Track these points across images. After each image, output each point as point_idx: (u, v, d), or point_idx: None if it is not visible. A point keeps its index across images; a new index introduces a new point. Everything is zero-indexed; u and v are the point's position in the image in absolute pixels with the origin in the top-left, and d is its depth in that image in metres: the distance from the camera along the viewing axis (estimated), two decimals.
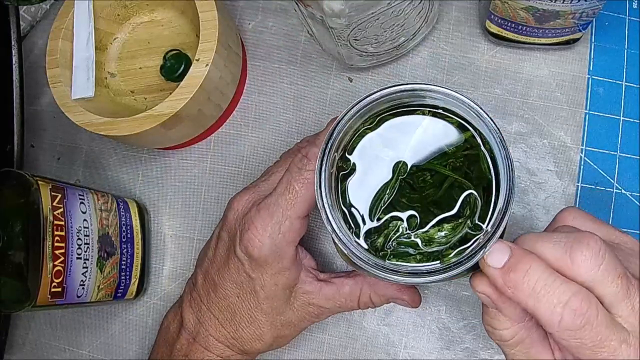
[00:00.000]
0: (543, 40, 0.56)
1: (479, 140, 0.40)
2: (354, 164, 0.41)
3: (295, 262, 0.49)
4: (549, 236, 0.38)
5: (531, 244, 0.38)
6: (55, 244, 0.47)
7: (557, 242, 0.37)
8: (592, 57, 0.58)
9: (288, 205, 0.46)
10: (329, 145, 0.39)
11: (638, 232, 0.56)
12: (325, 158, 0.39)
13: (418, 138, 0.40)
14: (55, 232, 0.47)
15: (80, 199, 0.51)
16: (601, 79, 0.58)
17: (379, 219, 0.40)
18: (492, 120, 0.38)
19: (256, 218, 0.47)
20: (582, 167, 0.57)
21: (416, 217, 0.40)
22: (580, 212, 0.42)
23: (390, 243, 0.40)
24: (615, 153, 0.57)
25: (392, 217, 0.40)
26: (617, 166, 0.57)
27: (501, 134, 0.38)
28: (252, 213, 0.47)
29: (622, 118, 0.57)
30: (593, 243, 0.36)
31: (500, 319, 0.41)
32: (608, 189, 0.56)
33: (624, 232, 0.41)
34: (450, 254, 0.38)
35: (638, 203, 0.56)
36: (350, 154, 0.41)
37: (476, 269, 0.41)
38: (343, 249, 0.39)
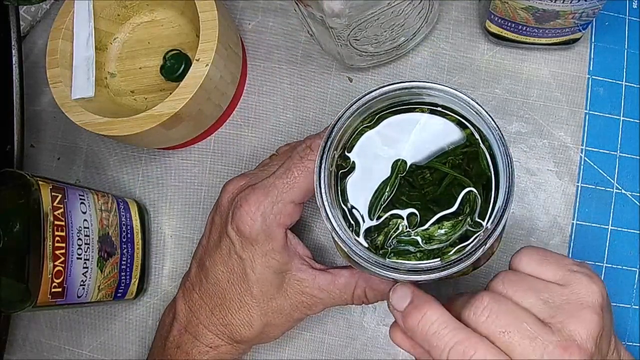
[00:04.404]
0: (543, 40, 0.56)
1: (478, 138, 0.40)
2: (353, 162, 0.41)
3: (286, 247, 0.49)
4: (459, 298, 0.42)
5: (448, 305, 0.40)
6: (56, 244, 0.47)
7: (460, 304, 0.39)
8: (592, 57, 0.58)
9: (284, 188, 0.47)
10: (328, 143, 0.39)
11: (638, 232, 0.56)
12: (324, 156, 0.39)
13: (417, 136, 0.40)
14: (56, 232, 0.47)
15: (80, 199, 0.51)
16: (601, 79, 0.58)
17: (378, 217, 0.40)
18: (491, 117, 0.39)
19: (250, 196, 0.48)
20: (582, 167, 0.57)
21: (416, 214, 0.40)
22: (528, 253, 0.41)
23: (390, 241, 0.40)
24: (615, 153, 0.57)
25: (392, 215, 0.40)
26: (617, 166, 0.57)
27: (500, 131, 0.38)
28: (247, 191, 0.48)
29: (622, 118, 0.57)
30: (477, 302, 0.37)
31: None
32: (608, 189, 0.56)
33: (577, 268, 0.40)
34: (450, 251, 0.38)
35: (638, 203, 0.56)
36: (349, 152, 0.41)
37: (476, 267, 0.41)
38: (343, 247, 0.39)
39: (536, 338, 0.36)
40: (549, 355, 0.35)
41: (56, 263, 0.47)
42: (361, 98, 0.40)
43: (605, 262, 0.56)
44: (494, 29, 0.55)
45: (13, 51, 0.57)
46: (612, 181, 0.56)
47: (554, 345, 0.36)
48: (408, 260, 0.39)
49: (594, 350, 0.37)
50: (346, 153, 0.41)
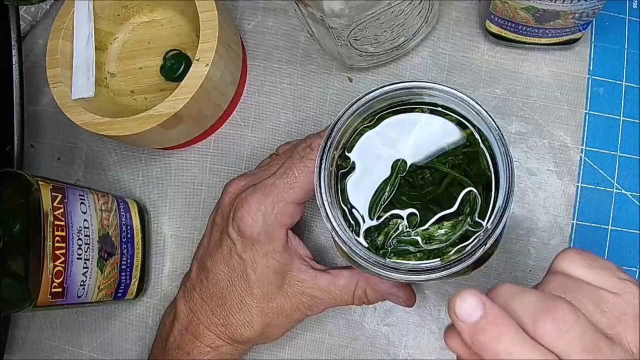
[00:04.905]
0: (543, 40, 0.56)
1: (478, 138, 0.40)
2: (353, 162, 0.41)
3: (287, 247, 0.49)
4: (522, 295, 0.37)
5: (505, 299, 0.37)
6: (56, 244, 0.47)
7: (527, 306, 0.36)
8: (592, 57, 0.58)
9: (285, 188, 0.47)
10: (328, 143, 0.39)
11: (638, 232, 0.56)
12: (324, 156, 0.39)
13: (417, 136, 0.40)
14: (56, 233, 0.47)
15: (80, 199, 0.51)
16: (601, 79, 0.58)
17: (378, 217, 0.40)
18: (491, 117, 0.38)
19: (251, 196, 0.48)
20: (582, 167, 0.57)
21: (416, 214, 0.40)
22: (576, 256, 0.39)
23: (390, 241, 0.40)
24: (615, 153, 0.57)
25: (392, 215, 0.40)
26: (617, 166, 0.57)
27: (500, 131, 0.38)
28: (248, 192, 0.48)
29: (622, 118, 0.57)
30: (559, 315, 0.35)
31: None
32: (608, 189, 0.56)
33: (625, 276, 0.38)
34: (451, 251, 0.38)
35: (638, 203, 0.56)
36: (349, 152, 0.41)
37: (476, 267, 0.41)
38: (343, 247, 0.39)
39: (607, 354, 0.34)
40: None
41: (56, 263, 0.47)
42: (361, 98, 0.40)
43: None
44: (494, 29, 0.55)
45: (13, 51, 0.57)
46: (612, 181, 0.56)
47: None
48: (408, 260, 0.39)
49: None
50: (346, 153, 0.41)
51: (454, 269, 0.37)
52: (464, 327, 0.36)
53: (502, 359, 0.35)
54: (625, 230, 0.56)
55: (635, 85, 0.57)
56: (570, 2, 0.48)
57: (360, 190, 0.40)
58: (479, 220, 0.39)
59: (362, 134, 0.41)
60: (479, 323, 0.35)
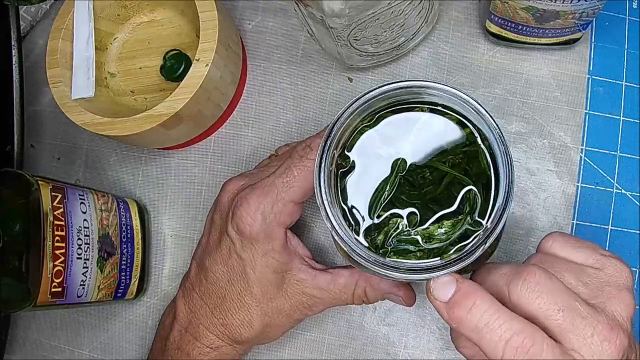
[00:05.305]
0: (543, 40, 0.56)
1: (478, 137, 0.40)
2: (353, 161, 0.41)
3: (286, 247, 0.49)
4: (498, 267, 0.39)
5: (484, 275, 0.39)
6: (56, 244, 0.47)
7: (502, 275, 0.38)
8: (592, 57, 0.58)
9: (284, 188, 0.47)
10: (328, 142, 0.39)
11: (638, 232, 0.56)
12: (324, 155, 0.39)
13: (417, 135, 0.40)
14: (56, 232, 0.47)
15: (80, 199, 0.51)
16: (601, 79, 0.58)
17: (378, 216, 0.40)
18: (490, 116, 0.38)
19: (250, 195, 0.48)
20: (582, 167, 0.57)
21: (416, 214, 0.40)
22: (559, 238, 0.41)
23: (390, 240, 0.40)
24: (615, 153, 0.57)
25: (392, 214, 0.40)
26: (617, 166, 0.57)
27: (500, 130, 0.38)
28: (247, 191, 0.48)
29: (622, 118, 0.57)
30: (530, 277, 0.36)
31: (459, 337, 0.41)
32: (608, 189, 0.56)
33: (608, 253, 0.40)
34: (451, 250, 0.38)
35: (638, 203, 0.56)
36: (349, 151, 0.41)
37: (476, 266, 0.41)
38: (343, 246, 0.39)
39: (587, 317, 0.35)
40: (599, 335, 0.35)
41: (56, 263, 0.47)
42: (361, 97, 0.40)
43: None
44: (494, 29, 0.55)
45: (13, 51, 0.57)
46: (612, 181, 0.56)
47: (603, 325, 0.35)
48: (408, 259, 0.39)
49: (630, 331, 0.37)
50: (346, 152, 0.41)
51: (454, 268, 0.37)
52: (441, 306, 0.38)
53: (482, 332, 0.36)
54: (625, 230, 0.56)
55: (635, 85, 0.57)
56: (570, 2, 0.48)
57: (360, 189, 0.40)
58: (478, 219, 0.39)
59: (362, 133, 0.41)
60: (453, 298, 0.37)
